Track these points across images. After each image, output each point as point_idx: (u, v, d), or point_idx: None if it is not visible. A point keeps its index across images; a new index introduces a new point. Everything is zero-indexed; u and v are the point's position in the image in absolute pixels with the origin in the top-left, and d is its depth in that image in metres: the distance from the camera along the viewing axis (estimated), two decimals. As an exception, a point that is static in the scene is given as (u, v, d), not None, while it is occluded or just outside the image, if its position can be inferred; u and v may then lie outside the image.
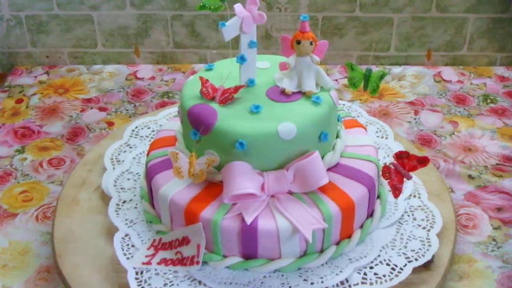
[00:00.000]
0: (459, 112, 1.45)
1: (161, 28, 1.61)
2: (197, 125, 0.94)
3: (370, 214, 1.01)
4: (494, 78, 1.59)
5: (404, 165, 0.91)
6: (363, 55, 1.63)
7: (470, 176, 1.25)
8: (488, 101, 1.50)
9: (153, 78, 1.60)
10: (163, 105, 1.47)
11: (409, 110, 1.46)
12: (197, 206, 0.93)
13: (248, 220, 0.90)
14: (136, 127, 1.25)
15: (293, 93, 0.97)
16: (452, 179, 1.24)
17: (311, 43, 0.94)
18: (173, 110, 1.29)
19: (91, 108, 1.49)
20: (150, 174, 1.01)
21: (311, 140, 0.95)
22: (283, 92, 0.97)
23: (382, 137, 1.22)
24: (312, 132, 0.94)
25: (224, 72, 1.01)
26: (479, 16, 1.57)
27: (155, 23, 1.60)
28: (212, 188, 0.96)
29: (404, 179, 0.92)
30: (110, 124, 1.42)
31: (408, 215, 1.04)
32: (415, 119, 1.43)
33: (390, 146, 1.18)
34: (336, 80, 1.58)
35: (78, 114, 1.47)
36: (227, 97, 0.96)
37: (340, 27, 1.59)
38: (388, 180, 0.92)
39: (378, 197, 1.04)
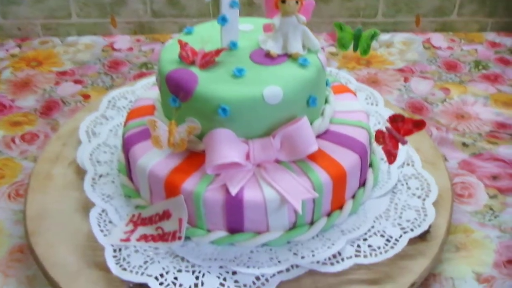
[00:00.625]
0: (451, 78, 1.40)
1: (138, -4, 1.53)
2: (176, 91, 0.88)
3: (362, 184, 0.97)
4: (486, 44, 1.54)
5: (399, 129, 0.85)
6: (350, 21, 1.56)
7: (464, 144, 1.20)
8: (480, 67, 1.45)
9: (130, 49, 1.53)
10: (141, 76, 1.41)
11: (399, 77, 1.40)
12: (178, 177, 0.87)
13: (233, 191, 0.84)
14: (113, 98, 1.19)
15: (279, 55, 0.91)
16: (445, 147, 1.19)
17: (296, 2, 0.88)
18: (152, 79, 1.23)
19: (66, 81, 1.41)
20: (127, 145, 0.95)
21: (298, 104, 0.89)
22: (267, 54, 0.91)
23: (372, 104, 1.16)
24: (299, 96, 0.88)
25: (205, 36, 0.95)
26: (469, -21, 1.51)
27: (131, -9, 1.52)
28: (193, 158, 0.90)
29: (399, 144, 0.86)
30: (86, 97, 1.35)
31: (402, 184, 0.99)
32: (405, 86, 1.37)
33: (380, 113, 1.13)
34: (322, 48, 1.51)
35: (52, 87, 1.39)
36: (208, 61, 0.90)
37: (325, -7, 1.53)
38: (382, 146, 0.86)
39: (370, 165, 0.99)
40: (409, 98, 1.33)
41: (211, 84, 0.87)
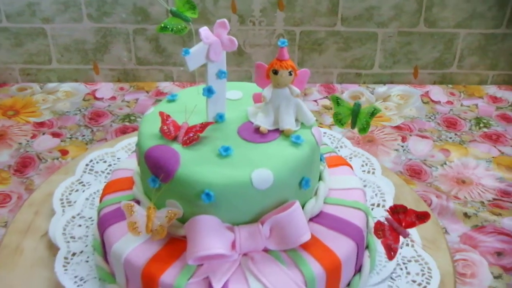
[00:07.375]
0: (451, 138, 1.33)
1: (122, 43, 1.46)
2: (156, 171, 0.81)
3: (358, 269, 0.88)
4: (486, 98, 1.47)
5: (400, 221, 0.77)
6: (345, 73, 1.49)
7: (465, 215, 1.12)
8: (481, 125, 1.37)
9: (113, 98, 1.45)
10: (123, 130, 1.33)
11: (396, 136, 1.33)
12: (156, 267, 0.79)
13: (217, 286, 0.76)
14: (91, 161, 1.11)
15: (269, 131, 0.84)
16: (445, 218, 1.12)
17: (290, 73, 0.81)
18: (133, 139, 1.15)
19: (43, 134, 1.33)
20: (102, 225, 0.87)
21: (290, 188, 0.82)
22: (257, 129, 0.83)
23: (368, 172, 1.09)
24: (291, 179, 0.81)
25: (189, 104, 0.87)
26: (470, 31, 1.45)
27: (115, 37, 1.45)
28: (174, 244, 0.82)
29: (400, 237, 0.78)
30: (64, 152, 1.27)
31: (401, 269, 0.91)
32: (402, 146, 1.29)
33: (378, 185, 1.05)
34: (315, 100, 1.44)
35: (28, 141, 1.31)
36: (192, 137, 0.82)
37: (319, 42, 1.46)
38: (381, 239, 0.78)
39: (367, 247, 0.91)
40: (407, 160, 1.26)
41: (194, 165, 0.79)
